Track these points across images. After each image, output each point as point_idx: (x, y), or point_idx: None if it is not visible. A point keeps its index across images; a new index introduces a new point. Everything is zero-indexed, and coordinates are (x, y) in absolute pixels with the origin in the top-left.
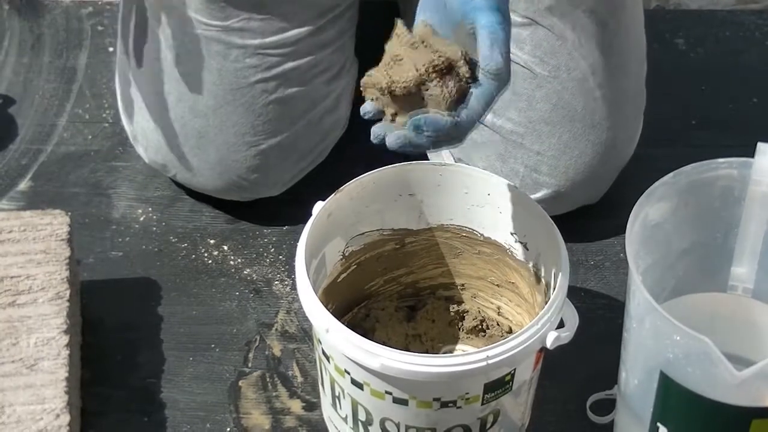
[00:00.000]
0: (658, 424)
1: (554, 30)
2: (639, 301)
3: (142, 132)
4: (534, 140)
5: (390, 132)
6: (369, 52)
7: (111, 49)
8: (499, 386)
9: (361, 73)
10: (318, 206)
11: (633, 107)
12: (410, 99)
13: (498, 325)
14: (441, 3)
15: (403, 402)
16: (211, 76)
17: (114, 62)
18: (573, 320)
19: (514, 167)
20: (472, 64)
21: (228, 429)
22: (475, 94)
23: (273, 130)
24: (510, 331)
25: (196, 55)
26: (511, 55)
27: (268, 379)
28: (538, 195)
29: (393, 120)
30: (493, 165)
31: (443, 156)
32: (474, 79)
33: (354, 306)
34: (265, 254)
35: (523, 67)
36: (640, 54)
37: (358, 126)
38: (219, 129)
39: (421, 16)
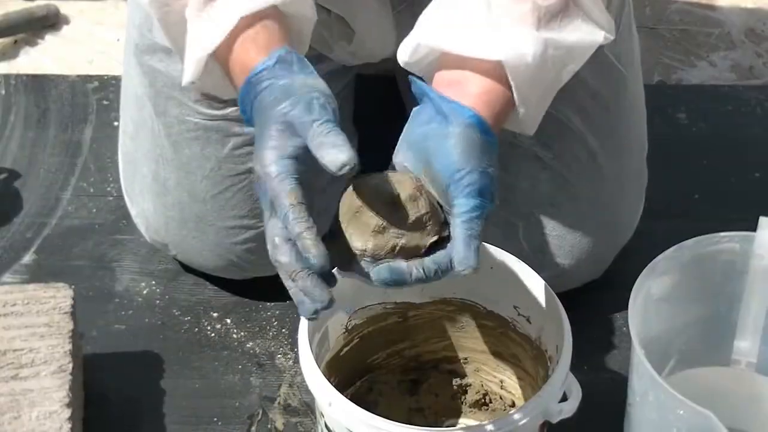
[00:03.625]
0: None
1: (558, 114)
2: (642, 374)
3: (142, 213)
4: (538, 221)
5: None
6: (367, 125)
7: (116, 123)
8: None
9: (360, 145)
10: None
11: (636, 185)
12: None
13: (501, 398)
14: (425, 161)
15: None
16: (209, 163)
17: (119, 136)
18: (576, 394)
19: (518, 247)
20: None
21: None
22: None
23: None
24: (513, 405)
25: (195, 142)
26: (515, 138)
27: None
28: (543, 274)
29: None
30: (497, 244)
31: None
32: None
33: (357, 379)
34: (268, 328)
35: (528, 149)
36: (641, 132)
37: None
38: (218, 213)
39: (402, 156)
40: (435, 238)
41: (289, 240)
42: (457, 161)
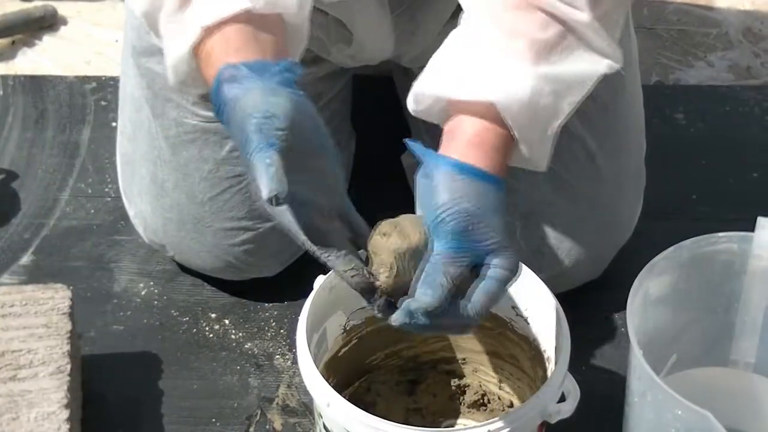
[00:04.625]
0: None
1: None
2: (640, 375)
3: (140, 214)
4: (537, 222)
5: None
6: (365, 126)
7: (114, 124)
8: None
9: (358, 147)
10: (319, 280)
11: (634, 185)
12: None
13: (499, 399)
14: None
15: None
16: (207, 165)
17: (116, 137)
18: (574, 394)
19: (517, 247)
20: None
21: None
22: (481, 288)
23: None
24: (511, 406)
25: (193, 144)
26: None
27: None
28: (541, 275)
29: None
30: None
31: None
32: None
33: (355, 380)
34: (267, 328)
35: None
36: (639, 132)
37: (356, 201)
38: (215, 215)
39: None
40: None
41: None
42: (433, 208)
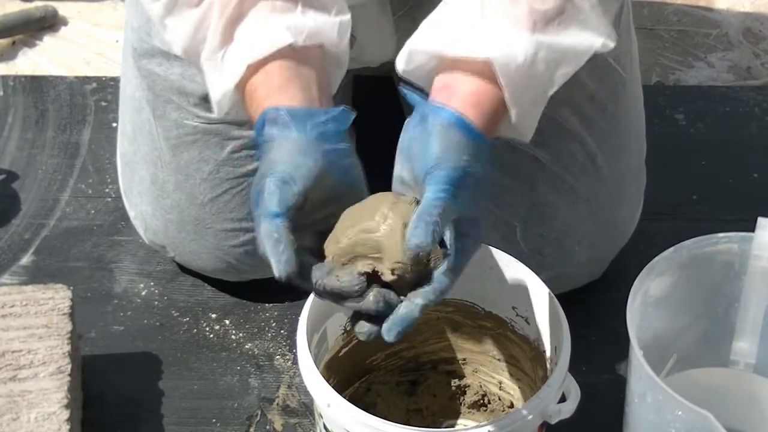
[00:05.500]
0: None
1: (555, 115)
2: (641, 375)
3: (141, 215)
4: (537, 222)
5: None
6: (364, 125)
7: (114, 124)
8: None
9: (358, 147)
10: None
11: (634, 185)
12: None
13: (499, 399)
14: (411, 166)
15: None
16: (208, 166)
17: (117, 138)
18: (575, 395)
19: (517, 248)
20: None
21: None
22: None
23: None
24: (512, 406)
25: (194, 146)
26: (513, 140)
27: None
28: (541, 275)
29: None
30: (496, 245)
31: None
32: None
33: (355, 380)
34: (267, 329)
35: (526, 151)
36: (639, 133)
37: None
38: (216, 216)
39: (398, 166)
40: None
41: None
42: (432, 158)
